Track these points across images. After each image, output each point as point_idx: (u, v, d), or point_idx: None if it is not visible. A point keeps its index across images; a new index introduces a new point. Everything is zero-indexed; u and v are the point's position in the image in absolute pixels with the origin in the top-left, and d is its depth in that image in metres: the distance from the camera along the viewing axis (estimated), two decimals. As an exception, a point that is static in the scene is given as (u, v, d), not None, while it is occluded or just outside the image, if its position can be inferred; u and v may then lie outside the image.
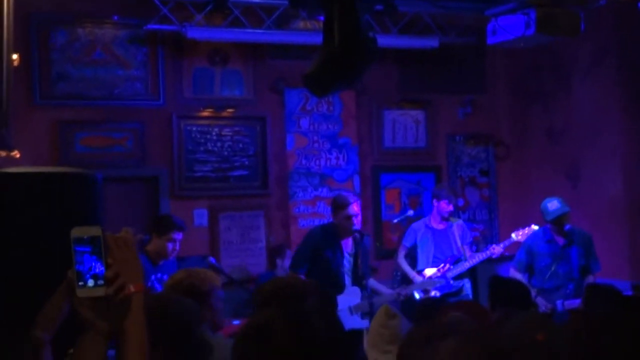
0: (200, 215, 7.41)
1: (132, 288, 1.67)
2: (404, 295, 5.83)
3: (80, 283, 1.61)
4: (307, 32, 7.29)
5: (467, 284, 6.83)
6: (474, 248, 7.16)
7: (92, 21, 7.16)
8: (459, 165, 8.45)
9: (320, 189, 7.80)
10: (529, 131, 8.35)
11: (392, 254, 7.28)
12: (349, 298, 5.72)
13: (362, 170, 8.01)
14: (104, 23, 7.19)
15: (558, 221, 6.04)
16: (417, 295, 6.37)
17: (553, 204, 6.05)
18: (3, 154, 5.49)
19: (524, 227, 6.56)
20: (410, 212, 7.31)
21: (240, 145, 7.58)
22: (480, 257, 6.74)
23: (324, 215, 7.61)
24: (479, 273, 7.19)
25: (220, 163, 7.50)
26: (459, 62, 8.25)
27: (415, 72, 8.22)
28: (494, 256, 6.68)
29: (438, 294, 6.47)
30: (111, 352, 1.72)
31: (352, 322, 5.58)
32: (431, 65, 8.13)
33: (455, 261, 6.72)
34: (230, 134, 7.56)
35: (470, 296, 6.82)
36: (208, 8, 6.99)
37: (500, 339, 1.79)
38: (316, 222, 7.49)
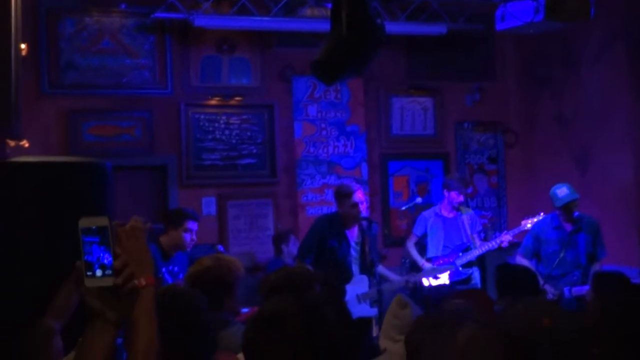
0: (209, 204, 7.42)
1: (142, 281, 1.67)
2: (413, 283, 5.83)
3: (89, 273, 1.61)
4: (314, 19, 7.27)
5: (475, 272, 6.83)
6: (482, 236, 7.15)
7: (99, 10, 7.16)
8: (468, 153, 8.43)
9: (328, 177, 7.80)
10: (537, 118, 8.32)
11: (400, 242, 7.28)
12: (357, 286, 5.73)
13: (370, 158, 8.00)
14: (111, 12, 7.19)
15: (567, 208, 6.01)
16: (426, 283, 6.37)
17: (562, 191, 6.03)
18: (12, 143, 5.51)
19: (534, 215, 6.54)
20: (419, 200, 7.31)
21: (248, 134, 7.58)
22: (489, 245, 6.73)
23: (332, 203, 7.59)
24: (488, 261, 7.19)
25: (228, 151, 7.50)
26: (468, 49, 8.22)
27: (424, 59, 8.19)
28: (503, 245, 6.66)
29: (447, 282, 6.47)
30: (119, 340, 1.72)
31: (360, 310, 5.59)
32: (439, 52, 8.10)
33: (465, 249, 6.72)
34: (238, 122, 7.55)
35: (479, 284, 6.82)
36: (215, -4, 6.98)
37: (509, 325, 1.79)
38: (324, 210, 7.50)
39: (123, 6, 7.15)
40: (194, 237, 5.70)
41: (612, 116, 7.30)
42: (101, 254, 1.61)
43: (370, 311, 5.68)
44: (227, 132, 7.51)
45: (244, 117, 7.59)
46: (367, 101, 8.01)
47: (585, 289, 5.85)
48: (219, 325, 3.26)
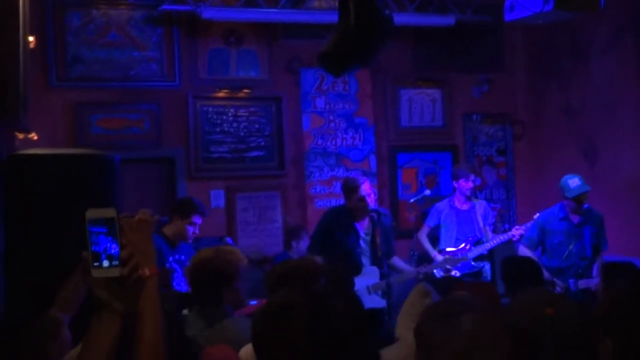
0: (217, 196, 7.42)
1: (147, 272, 1.68)
2: (424, 274, 5.80)
3: (96, 264, 1.62)
4: (322, 11, 7.25)
5: (487, 266, 6.81)
6: (492, 228, 7.13)
7: (106, 2, 7.16)
8: (476, 144, 8.41)
9: (336, 169, 7.79)
10: (546, 109, 8.28)
11: (408, 234, 7.27)
12: (367, 278, 5.71)
13: (378, 150, 7.99)
14: (118, 4, 7.19)
15: (579, 199, 5.98)
16: (437, 275, 6.36)
17: (574, 181, 5.99)
18: (21, 136, 5.52)
19: (545, 210, 6.50)
20: (427, 192, 7.28)
21: (256, 126, 7.57)
22: (501, 238, 6.71)
23: (340, 196, 7.57)
24: (497, 255, 7.15)
25: (236, 144, 7.50)
26: (476, 40, 8.18)
27: (432, 51, 8.16)
28: (514, 238, 6.63)
29: (458, 274, 6.46)
30: None
31: (371, 301, 5.58)
32: (447, 43, 8.07)
33: (476, 242, 6.70)
34: (246, 114, 7.55)
35: (490, 279, 6.79)
36: (222, -12, 6.97)
37: (512, 316, 1.79)
38: (332, 202, 7.49)
39: (130, -1, 7.16)
40: (197, 231, 5.71)
41: (621, 107, 7.26)
42: (108, 245, 1.62)
43: (381, 302, 5.67)
44: (235, 124, 7.51)
45: (252, 109, 7.58)
46: (375, 93, 7.99)
47: (591, 282, 5.84)
48: (216, 317, 3.27)
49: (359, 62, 4.65)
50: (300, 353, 1.77)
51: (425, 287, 2.79)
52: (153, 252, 1.72)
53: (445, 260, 6.43)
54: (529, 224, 6.50)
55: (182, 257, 5.57)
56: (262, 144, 7.59)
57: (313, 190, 7.70)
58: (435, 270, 6.36)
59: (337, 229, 5.83)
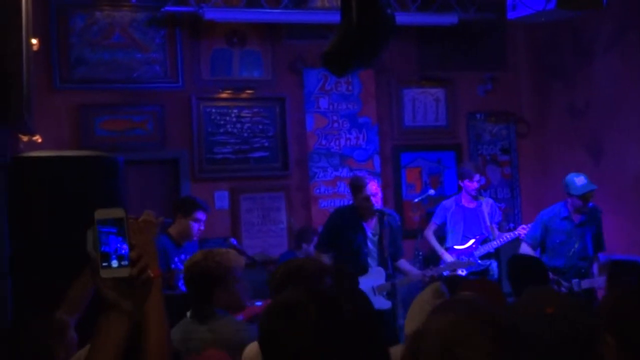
0: (221, 198, 7.43)
1: (150, 273, 1.69)
2: (430, 277, 5.77)
3: (105, 264, 1.62)
4: (325, 11, 7.25)
5: (493, 265, 6.80)
6: (497, 227, 7.12)
7: (109, 4, 7.17)
8: (480, 143, 8.39)
9: (340, 170, 7.78)
10: (550, 108, 8.27)
11: (413, 234, 7.25)
12: (373, 278, 5.71)
13: (382, 150, 7.98)
14: (121, 6, 7.20)
15: (585, 197, 5.96)
16: (443, 273, 6.35)
17: (580, 179, 5.98)
18: (25, 138, 5.53)
19: (547, 208, 6.49)
20: (431, 191, 7.28)
21: (260, 127, 7.57)
22: (507, 237, 6.70)
23: (344, 196, 7.60)
24: (503, 254, 7.14)
25: (240, 145, 7.50)
26: (479, 39, 8.17)
27: (435, 50, 8.15)
28: (521, 237, 6.62)
29: (464, 272, 6.45)
30: None
31: (376, 302, 5.57)
32: (451, 42, 8.06)
33: (483, 241, 6.69)
34: (249, 115, 7.55)
35: (496, 277, 6.78)
36: (225, -11, 6.97)
37: (507, 316, 1.78)
38: (337, 203, 7.49)
39: (133, 0, 7.15)
40: (202, 227, 5.72)
41: (625, 105, 7.25)
42: (119, 245, 1.63)
43: (386, 303, 5.67)
44: (238, 125, 7.51)
45: (256, 110, 7.58)
46: (378, 93, 7.99)
47: (594, 282, 5.82)
48: (208, 319, 3.30)
49: (361, 62, 4.65)
50: (308, 352, 1.77)
51: (441, 288, 2.79)
52: (156, 255, 1.72)
53: (451, 264, 6.42)
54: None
55: (188, 257, 5.57)
56: (266, 144, 7.59)
57: (317, 191, 7.70)
58: (442, 273, 6.36)
59: (344, 228, 5.82)
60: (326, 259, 5.63)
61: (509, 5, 6.37)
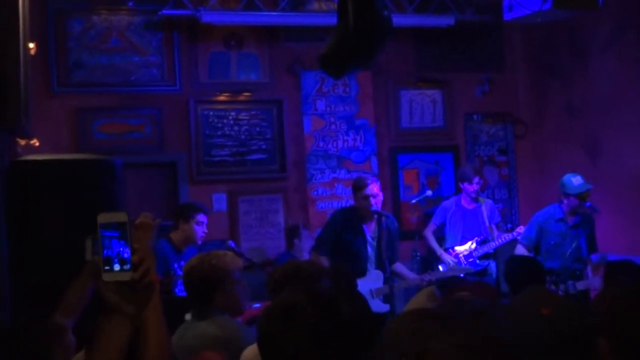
0: (219, 200, 7.43)
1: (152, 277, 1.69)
2: (428, 282, 5.76)
3: (107, 267, 1.63)
4: (322, 13, 7.26)
5: (492, 265, 6.81)
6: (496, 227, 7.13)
7: (107, 8, 7.18)
8: (477, 144, 8.40)
9: (338, 171, 7.79)
10: (547, 108, 8.28)
11: (410, 235, 7.26)
12: (371, 282, 5.71)
13: (379, 152, 7.99)
14: (119, 10, 7.20)
15: (582, 197, 5.98)
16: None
17: (577, 179, 6.00)
18: (23, 142, 5.53)
19: (542, 209, 6.49)
20: (429, 193, 7.29)
21: (258, 129, 7.58)
22: (506, 237, 6.71)
23: (342, 197, 7.61)
24: (500, 255, 7.15)
25: (237, 147, 7.51)
26: (476, 40, 8.19)
27: (432, 51, 8.17)
28: (519, 238, 6.63)
29: (462, 273, 6.46)
30: None
31: (374, 305, 5.57)
32: (448, 43, 8.08)
33: (482, 241, 6.70)
34: (247, 117, 7.56)
35: (495, 277, 6.80)
36: (222, -8, 6.98)
37: (512, 315, 1.76)
38: (335, 205, 7.50)
39: (130, 4, 7.16)
40: (205, 229, 5.73)
41: (622, 105, 7.26)
42: (121, 249, 1.63)
43: (384, 307, 5.67)
44: (236, 128, 7.51)
45: (253, 112, 7.59)
46: (375, 94, 8.00)
47: (589, 283, 5.82)
48: (203, 317, 3.32)
49: (358, 64, 4.66)
50: (307, 354, 1.78)
51: (435, 292, 2.80)
52: (153, 257, 1.73)
53: (449, 269, 6.43)
54: None
55: (187, 263, 5.58)
56: (264, 147, 7.59)
57: (315, 193, 7.70)
58: (440, 266, 6.38)
59: (344, 229, 5.82)
60: (324, 261, 5.63)
61: (506, 6, 6.38)
